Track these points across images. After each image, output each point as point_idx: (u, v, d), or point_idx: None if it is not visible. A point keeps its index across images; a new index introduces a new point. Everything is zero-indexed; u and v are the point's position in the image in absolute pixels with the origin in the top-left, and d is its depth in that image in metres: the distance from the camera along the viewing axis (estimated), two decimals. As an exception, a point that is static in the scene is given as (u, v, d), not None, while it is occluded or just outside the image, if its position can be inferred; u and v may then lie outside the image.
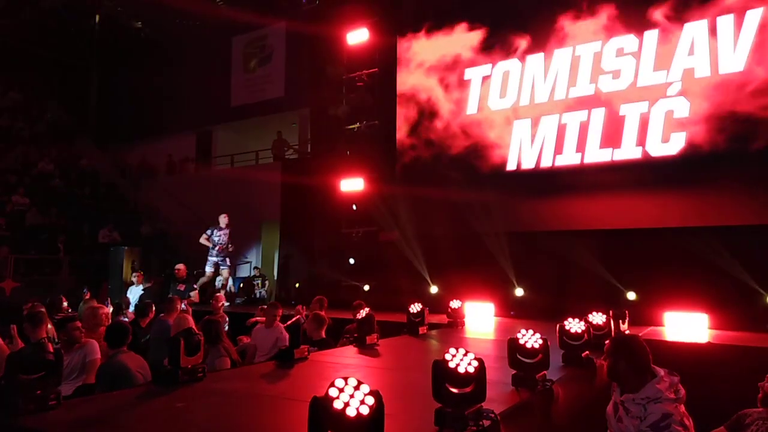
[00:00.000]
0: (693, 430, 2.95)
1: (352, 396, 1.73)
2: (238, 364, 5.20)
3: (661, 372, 3.00)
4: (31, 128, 18.69)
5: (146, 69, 18.33)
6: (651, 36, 7.52)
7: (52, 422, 2.51)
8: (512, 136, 8.58)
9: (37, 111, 19.86)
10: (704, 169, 7.07)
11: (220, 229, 10.33)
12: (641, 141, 7.51)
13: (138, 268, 12.04)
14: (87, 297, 8.62)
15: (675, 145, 7.26)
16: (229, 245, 10.39)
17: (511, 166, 8.55)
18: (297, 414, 2.08)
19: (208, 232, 10.32)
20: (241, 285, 12.58)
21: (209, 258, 10.33)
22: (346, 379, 1.76)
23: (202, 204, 15.24)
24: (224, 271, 10.49)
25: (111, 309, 7.43)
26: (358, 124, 10.45)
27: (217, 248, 10.26)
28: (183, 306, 7.18)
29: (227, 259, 10.51)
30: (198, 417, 2.79)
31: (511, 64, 8.68)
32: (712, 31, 7.09)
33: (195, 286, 10.20)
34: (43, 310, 5.59)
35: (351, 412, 1.71)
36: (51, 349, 2.72)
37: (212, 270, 10.35)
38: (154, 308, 7.05)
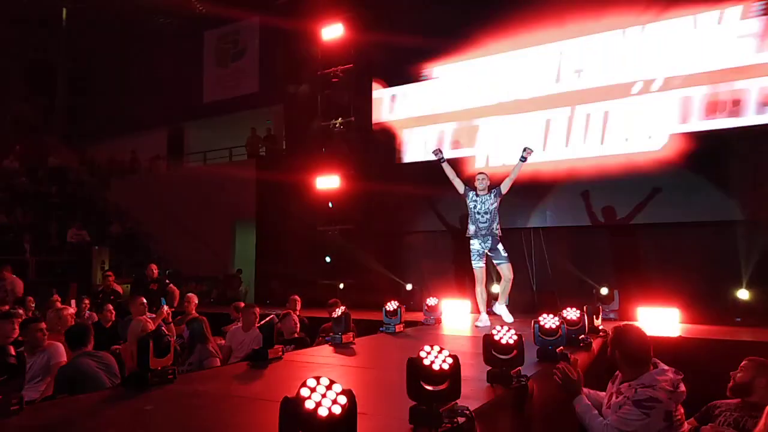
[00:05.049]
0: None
1: (324, 396, 1.68)
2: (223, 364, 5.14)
3: (666, 368, 3.02)
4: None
5: (116, 64, 17.92)
6: (616, 36, 7.72)
7: (15, 428, 2.41)
8: (480, 134, 8.63)
9: (1, 107, 19.24)
10: (676, 165, 7.21)
11: (477, 194, 6.27)
12: (613, 137, 7.67)
13: (108, 268, 11.77)
14: (54, 299, 8.39)
15: (654, 142, 7.42)
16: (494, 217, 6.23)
17: (479, 164, 8.60)
18: (269, 415, 2.03)
19: (470, 203, 6.31)
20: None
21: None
22: (317, 378, 1.72)
23: (174, 202, 14.99)
24: (504, 267, 6.31)
25: (76, 310, 7.25)
26: (333, 121, 10.38)
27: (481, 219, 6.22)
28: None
29: (490, 238, 6.25)
30: (168, 419, 2.71)
31: (480, 62, 8.77)
32: (681, 30, 7.33)
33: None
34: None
35: (323, 412, 1.66)
36: (13, 352, 2.61)
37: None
38: (112, 308, 6.90)
